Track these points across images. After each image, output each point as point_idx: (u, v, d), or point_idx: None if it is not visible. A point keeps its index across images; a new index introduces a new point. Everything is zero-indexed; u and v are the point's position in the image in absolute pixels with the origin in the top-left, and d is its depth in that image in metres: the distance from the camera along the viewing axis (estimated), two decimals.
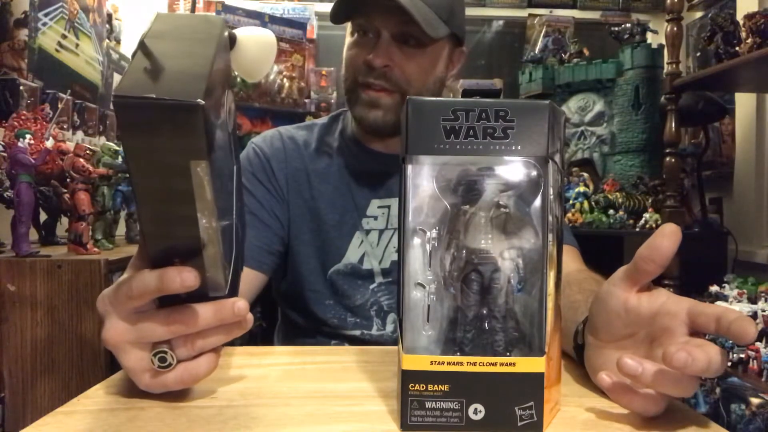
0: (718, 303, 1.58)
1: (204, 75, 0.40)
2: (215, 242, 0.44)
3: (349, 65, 0.95)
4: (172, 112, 0.38)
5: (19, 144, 1.26)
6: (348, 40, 0.96)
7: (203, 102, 0.38)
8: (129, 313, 0.46)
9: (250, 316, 0.48)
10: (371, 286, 0.96)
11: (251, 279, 0.89)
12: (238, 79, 2.45)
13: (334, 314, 0.95)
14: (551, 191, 0.44)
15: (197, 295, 0.45)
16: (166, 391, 0.48)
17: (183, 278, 0.43)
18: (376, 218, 0.97)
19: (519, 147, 0.43)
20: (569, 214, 2.16)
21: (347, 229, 0.96)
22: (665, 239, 0.46)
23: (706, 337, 0.47)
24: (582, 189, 2.19)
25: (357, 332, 0.95)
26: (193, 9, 2.43)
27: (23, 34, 1.71)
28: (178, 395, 0.51)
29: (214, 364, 0.48)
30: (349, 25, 0.96)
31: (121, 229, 1.67)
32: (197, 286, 0.44)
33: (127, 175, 0.43)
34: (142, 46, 0.41)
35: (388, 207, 0.98)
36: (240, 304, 0.46)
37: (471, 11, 3.06)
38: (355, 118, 0.97)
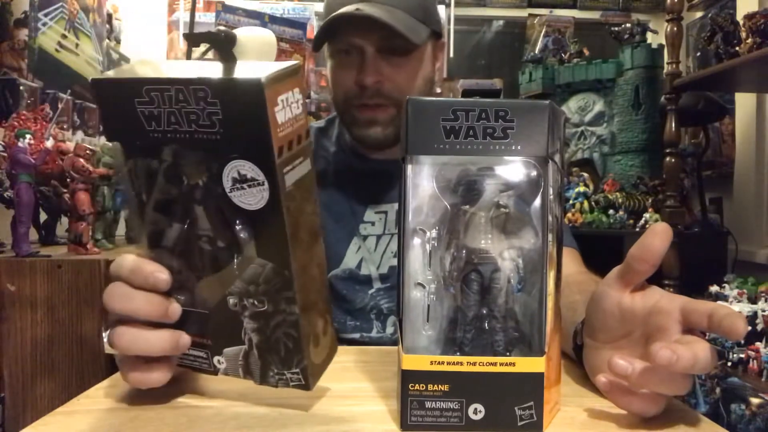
0: (718, 303, 1.57)
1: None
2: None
3: (338, 88, 0.94)
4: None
5: (19, 144, 1.26)
6: (330, 63, 0.95)
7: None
8: None
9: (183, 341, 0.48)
10: (370, 291, 0.96)
11: None
12: None
13: (333, 318, 0.95)
14: (551, 191, 0.44)
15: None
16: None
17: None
18: (373, 224, 0.96)
19: (519, 147, 0.43)
20: (569, 214, 2.16)
21: (344, 235, 0.96)
22: (656, 238, 0.46)
23: (707, 336, 0.47)
24: (582, 189, 2.19)
25: (356, 335, 0.94)
26: (193, 9, 2.43)
27: (23, 34, 1.71)
28: (180, 393, 0.51)
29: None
30: (326, 49, 0.95)
31: (121, 229, 1.67)
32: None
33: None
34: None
35: (385, 212, 0.97)
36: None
37: (471, 11, 3.07)
38: (353, 137, 0.97)
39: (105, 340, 0.49)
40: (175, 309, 0.47)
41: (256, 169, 0.40)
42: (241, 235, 0.43)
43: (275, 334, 0.45)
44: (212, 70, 0.41)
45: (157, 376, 0.47)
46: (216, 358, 0.48)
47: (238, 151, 0.41)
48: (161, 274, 0.46)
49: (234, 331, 0.46)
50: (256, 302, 0.44)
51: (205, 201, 0.44)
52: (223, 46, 0.43)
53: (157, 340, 0.46)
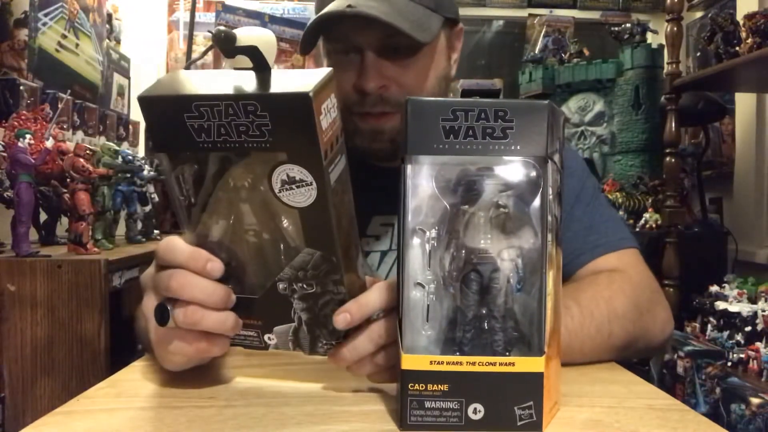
0: (718, 303, 1.58)
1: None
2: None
3: (336, 93, 0.84)
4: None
5: (19, 144, 1.26)
6: (326, 63, 0.83)
7: None
8: None
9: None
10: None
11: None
12: None
13: None
14: (550, 191, 0.44)
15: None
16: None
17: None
18: (377, 238, 0.86)
19: (518, 147, 0.43)
20: None
21: None
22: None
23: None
24: None
25: None
26: (193, 9, 2.43)
27: (23, 34, 1.71)
28: (177, 394, 0.51)
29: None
30: (321, 46, 0.82)
31: (121, 229, 1.67)
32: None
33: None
34: None
35: (392, 225, 0.86)
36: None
37: (471, 11, 3.06)
38: (357, 149, 0.80)
39: (148, 315, 0.52)
40: (233, 297, 0.50)
41: (304, 171, 0.44)
42: (288, 228, 0.47)
43: (324, 311, 0.50)
44: (250, 79, 0.45)
45: (219, 349, 0.51)
46: (266, 336, 0.53)
47: (286, 157, 0.44)
48: (216, 263, 0.49)
49: (284, 311, 0.51)
50: (305, 285, 0.49)
51: (251, 199, 0.47)
52: (259, 56, 0.43)
53: (224, 320, 0.50)
